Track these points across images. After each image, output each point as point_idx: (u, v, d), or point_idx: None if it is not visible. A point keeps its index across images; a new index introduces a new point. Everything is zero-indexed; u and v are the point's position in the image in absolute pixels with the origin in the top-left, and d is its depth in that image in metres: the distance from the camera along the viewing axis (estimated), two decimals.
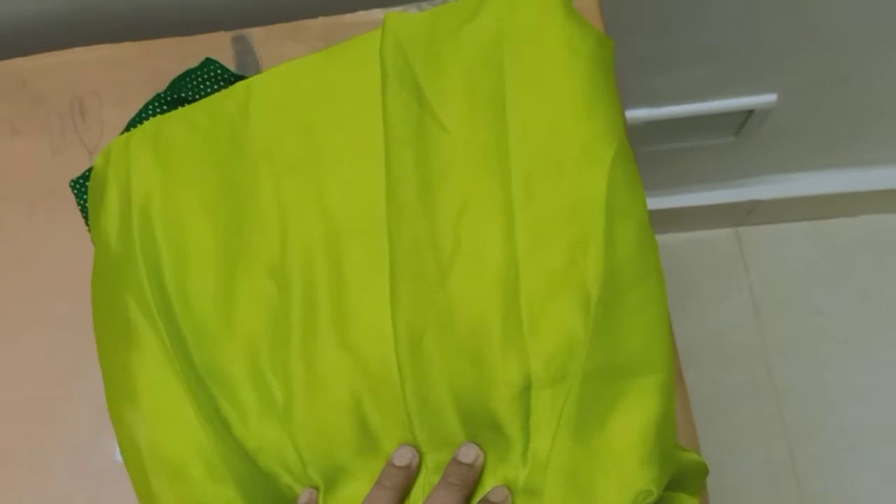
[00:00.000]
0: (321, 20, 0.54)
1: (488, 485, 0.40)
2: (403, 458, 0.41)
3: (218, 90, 0.50)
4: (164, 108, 0.50)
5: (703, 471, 0.44)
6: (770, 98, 0.85)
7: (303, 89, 0.46)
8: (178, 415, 0.41)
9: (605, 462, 0.38)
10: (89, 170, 0.50)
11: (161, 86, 0.52)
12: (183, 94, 0.50)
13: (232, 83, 0.49)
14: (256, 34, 0.54)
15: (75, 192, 0.51)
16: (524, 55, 0.43)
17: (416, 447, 0.41)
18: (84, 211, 0.51)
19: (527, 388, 0.39)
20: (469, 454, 0.40)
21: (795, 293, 1.18)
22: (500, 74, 0.43)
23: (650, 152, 0.97)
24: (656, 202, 1.08)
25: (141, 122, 0.49)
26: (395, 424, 0.41)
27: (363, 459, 0.42)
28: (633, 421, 0.39)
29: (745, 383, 1.15)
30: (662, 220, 1.13)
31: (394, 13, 0.45)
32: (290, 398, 0.42)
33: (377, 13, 0.54)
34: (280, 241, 0.44)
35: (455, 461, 0.40)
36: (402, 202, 0.41)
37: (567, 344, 0.39)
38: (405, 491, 0.41)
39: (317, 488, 0.42)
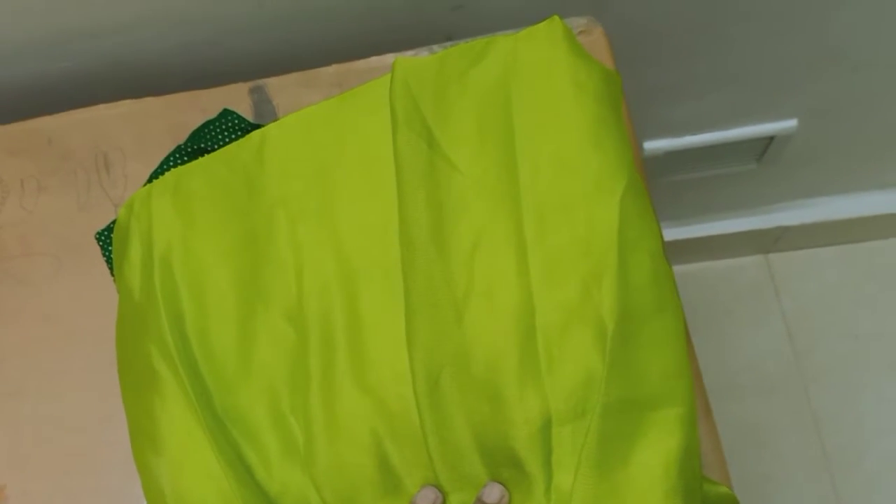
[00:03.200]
0: (334, 67, 0.55)
1: None
2: (427, 498, 0.41)
3: (236, 139, 0.51)
4: (185, 158, 0.51)
5: (733, 503, 0.44)
6: (791, 123, 0.85)
7: (315, 135, 0.47)
8: (201, 461, 0.42)
9: (628, 497, 0.38)
10: (114, 222, 0.51)
11: (182, 137, 0.53)
12: (202, 145, 0.51)
13: (248, 132, 0.51)
14: (273, 83, 0.56)
15: (101, 244, 0.53)
16: (531, 93, 0.43)
17: (439, 487, 0.41)
18: (110, 263, 0.52)
19: (547, 424, 0.39)
20: (493, 494, 0.40)
21: (830, 319, 1.15)
22: (508, 113, 0.44)
23: (673, 182, 0.96)
24: (682, 231, 1.07)
25: (163, 174, 0.50)
26: (418, 464, 0.41)
27: (386, 501, 0.42)
28: (655, 454, 0.38)
29: (782, 413, 1.13)
30: (690, 250, 1.12)
31: (403, 58, 0.46)
32: (311, 441, 0.42)
33: (388, 58, 0.54)
34: (297, 285, 0.45)
35: (480, 501, 0.40)
36: (415, 242, 0.42)
37: (585, 378, 0.39)
38: None
39: None
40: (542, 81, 0.43)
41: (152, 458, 0.43)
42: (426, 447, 0.40)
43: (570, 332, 0.39)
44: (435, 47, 0.54)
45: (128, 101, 0.57)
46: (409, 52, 0.54)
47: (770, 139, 0.87)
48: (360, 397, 0.42)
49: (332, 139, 0.47)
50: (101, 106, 0.57)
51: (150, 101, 0.57)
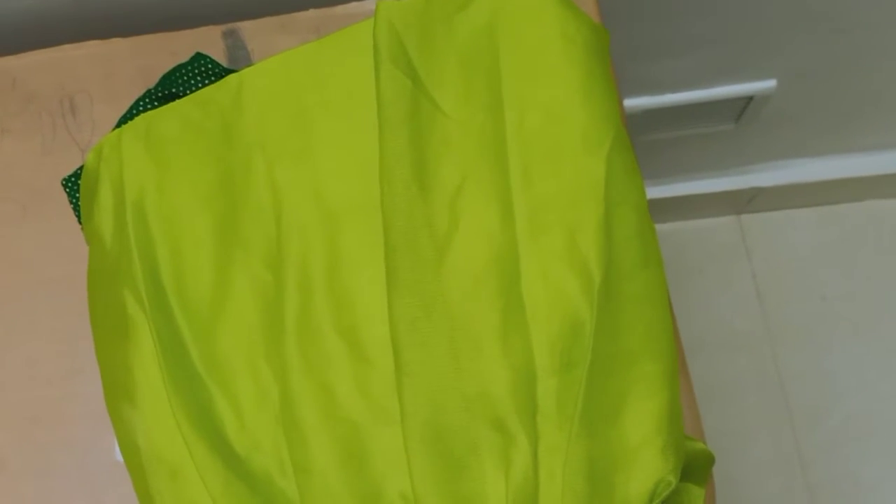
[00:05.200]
0: (312, 12, 0.53)
1: (492, 494, 0.38)
2: None
3: (208, 84, 0.49)
4: (155, 103, 0.49)
5: (709, 460, 0.44)
6: (769, 84, 0.85)
7: (295, 79, 0.46)
8: (171, 419, 0.41)
9: (622, 455, 0.38)
10: (81, 168, 0.50)
11: (151, 82, 0.51)
12: (174, 90, 0.49)
13: (222, 77, 0.49)
14: (247, 27, 0.54)
15: (67, 190, 0.51)
16: (519, 43, 0.42)
17: None
18: (77, 209, 0.50)
19: (531, 376, 0.38)
20: None
21: (799, 280, 1.17)
22: (496, 61, 0.42)
23: (650, 141, 0.96)
24: (657, 191, 1.08)
25: (132, 119, 0.49)
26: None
27: None
28: (646, 411, 0.38)
29: (749, 371, 1.15)
30: (663, 209, 1.12)
31: (387, 1, 0.44)
32: (285, 388, 0.41)
33: (369, 4, 0.53)
34: (276, 230, 0.43)
35: None
36: (396, 179, 0.41)
37: (572, 327, 0.38)
38: None
39: None
40: (531, 31, 0.42)
41: (127, 409, 0.42)
42: (398, 392, 0.39)
43: (556, 280, 0.39)
44: None
45: (94, 42, 0.55)
46: None
47: (749, 99, 0.87)
48: (337, 340, 0.41)
49: (312, 82, 0.45)
50: (67, 46, 0.55)
51: (117, 43, 0.55)
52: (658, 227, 0.43)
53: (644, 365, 0.38)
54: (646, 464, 0.37)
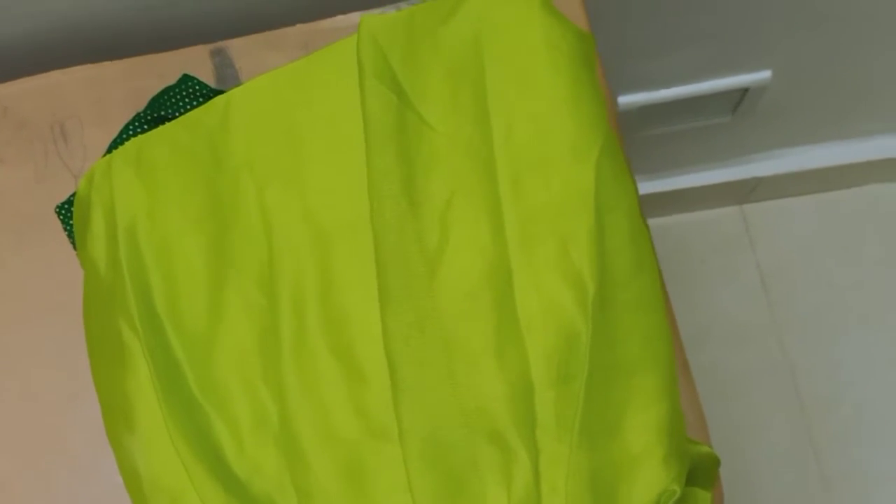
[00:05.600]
0: (299, 27, 0.53)
1: None
2: None
3: (197, 106, 0.49)
4: (145, 127, 0.49)
5: (714, 463, 0.44)
6: (765, 75, 0.84)
7: (281, 98, 0.45)
8: (169, 444, 0.41)
9: (625, 466, 0.37)
10: (74, 195, 0.50)
11: (141, 104, 0.51)
12: (163, 113, 0.49)
13: (210, 98, 0.49)
14: (235, 45, 0.54)
15: (61, 217, 0.51)
16: (504, 53, 0.42)
17: None
18: (71, 236, 0.50)
19: (529, 389, 0.38)
20: None
21: (804, 268, 1.16)
22: (481, 72, 0.42)
23: (647, 136, 0.95)
24: (657, 185, 1.07)
25: (122, 143, 0.48)
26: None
27: None
28: (647, 420, 0.38)
29: (758, 363, 1.14)
30: (665, 203, 1.12)
31: (369, 15, 0.44)
32: (284, 410, 0.41)
33: (355, 17, 0.53)
34: (267, 251, 0.43)
35: None
36: (384, 194, 0.40)
37: (568, 339, 0.38)
38: None
39: None
40: (516, 41, 0.42)
41: (126, 436, 0.42)
42: (395, 409, 0.39)
43: (550, 291, 0.38)
44: (402, 4, 0.53)
45: (83, 67, 0.55)
46: (376, 10, 0.52)
47: (744, 91, 0.87)
48: (332, 360, 0.40)
49: (299, 101, 0.45)
50: (56, 72, 0.55)
51: (106, 66, 0.55)
52: (660, 220, 0.43)
53: (642, 374, 0.38)
54: (648, 474, 0.37)
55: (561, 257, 0.39)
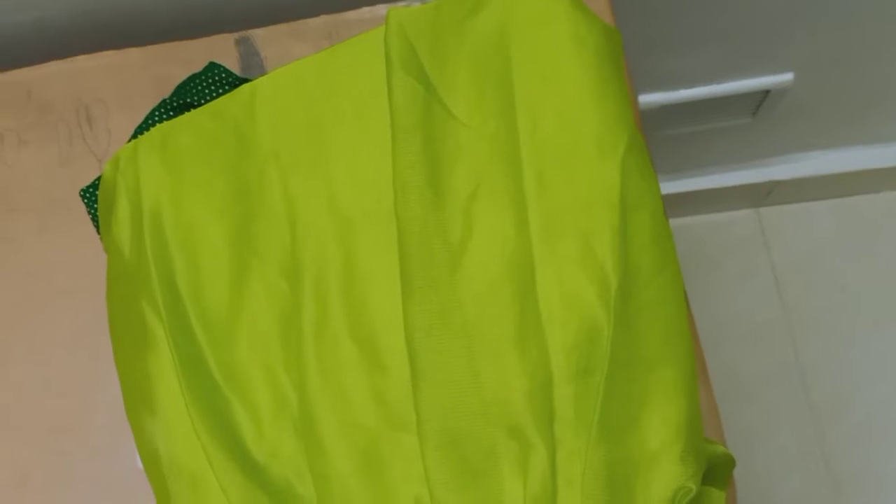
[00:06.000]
0: (323, 18, 0.53)
1: (510, 500, 0.38)
2: None
3: (223, 94, 0.49)
4: (171, 114, 0.49)
5: (730, 463, 0.44)
6: (787, 77, 0.84)
7: (307, 88, 0.46)
8: (190, 427, 0.41)
9: (643, 462, 0.37)
10: (99, 178, 0.50)
11: (166, 90, 0.51)
12: (188, 100, 0.49)
13: (236, 86, 0.49)
14: (260, 35, 0.54)
15: (85, 201, 0.51)
16: (531, 47, 0.42)
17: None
18: (95, 220, 0.51)
19: (548, 381, 0.38)
20: None
21: (819, 272, 1.16)
22: (508, 66, 0.42)
23: (667, 136, 0.95)
24: (675, 185, 1.07)
25: (147, 129, 0.49)
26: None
27: None
28: (665, 417, 0.38)
29: (770, 364, 1.14)
30: (682, 203, 1.11)
31: (397, 7, 0.44)
32: (304, 396, 0.41)
33: (380, 9, 0.53)
34: (291, 239, 0.44)
35: None
36: (409, 185, 0.41)
37: (589, 333, 0.38)
38: None
39: None
40: (542, 35, 0.42)
41: (147, 418, 0.43)
42: (415, 399, 0.39)
43: (572, 285, 0.38)
44: None
45: (108, 53, 0.55)
46: (402, 3, 0.52)
47: (766, 93, 0.86)
48: (353, 348, 0.41)
49: (324, 91, 0.45)
50: (81, 57, 0.55)
51: (131, 53, 0.55)
52: (677, 221, 0.43)
53: (662, 371, 0.38)
54: (665, 471, 0.37)
55: (584, 252, 0.39)
